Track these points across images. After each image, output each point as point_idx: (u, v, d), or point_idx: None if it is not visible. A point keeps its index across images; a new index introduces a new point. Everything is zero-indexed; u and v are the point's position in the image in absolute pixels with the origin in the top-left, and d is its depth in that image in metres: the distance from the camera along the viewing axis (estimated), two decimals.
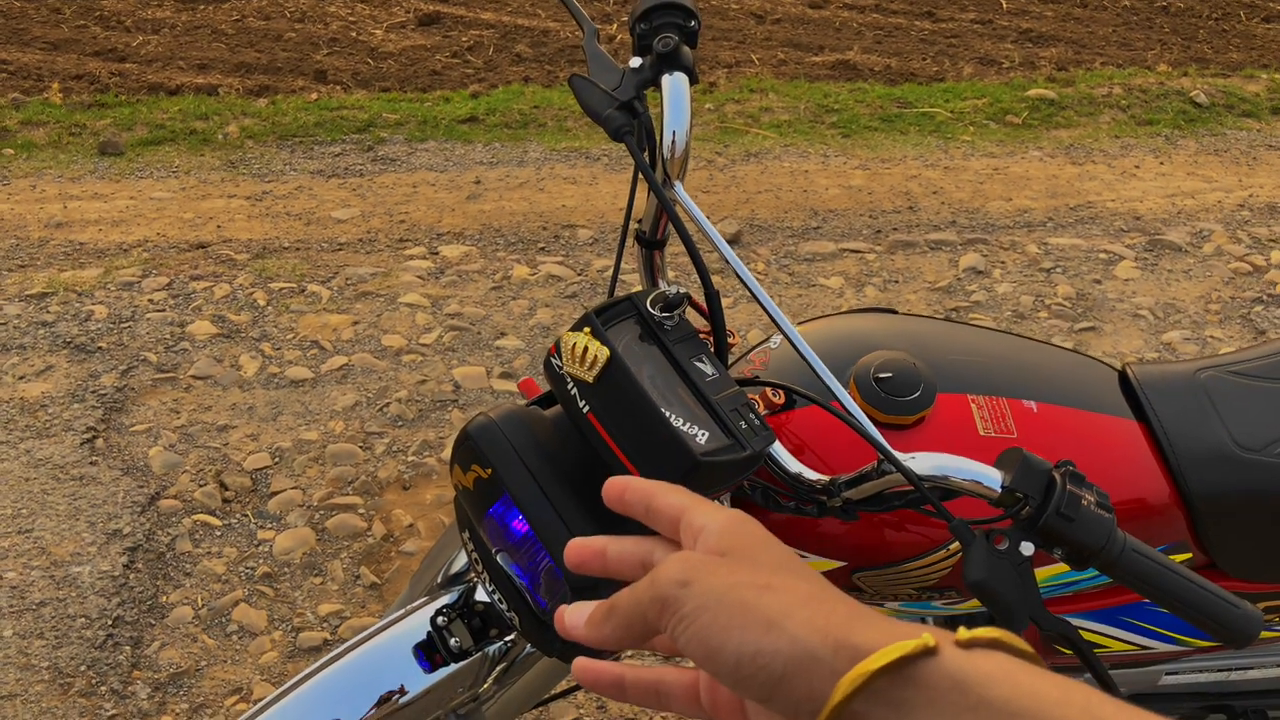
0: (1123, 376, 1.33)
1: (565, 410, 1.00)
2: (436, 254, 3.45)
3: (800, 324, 1.32)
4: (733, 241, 3.52)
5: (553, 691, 1.54)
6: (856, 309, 1.34)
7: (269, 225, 3.63)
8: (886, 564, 1.15)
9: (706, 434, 0.96)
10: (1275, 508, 1.23)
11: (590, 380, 0.96)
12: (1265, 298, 3.20)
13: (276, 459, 2.59)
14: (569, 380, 0.98)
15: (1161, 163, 4.07)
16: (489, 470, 1.02)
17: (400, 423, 2.70)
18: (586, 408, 0.97)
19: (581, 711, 2.03)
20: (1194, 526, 1.25)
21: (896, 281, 3.30)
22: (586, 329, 0.97)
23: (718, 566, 0.52)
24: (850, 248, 3.49)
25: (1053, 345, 1.35)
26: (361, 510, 2.44)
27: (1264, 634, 1.38)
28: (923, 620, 1.46)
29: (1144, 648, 1.35)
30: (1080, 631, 1.33)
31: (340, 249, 3.50)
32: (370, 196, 3.81)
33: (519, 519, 1.02)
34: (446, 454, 2.61)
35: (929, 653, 0.45)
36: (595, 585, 1.01)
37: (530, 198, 3.80)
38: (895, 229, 3.60)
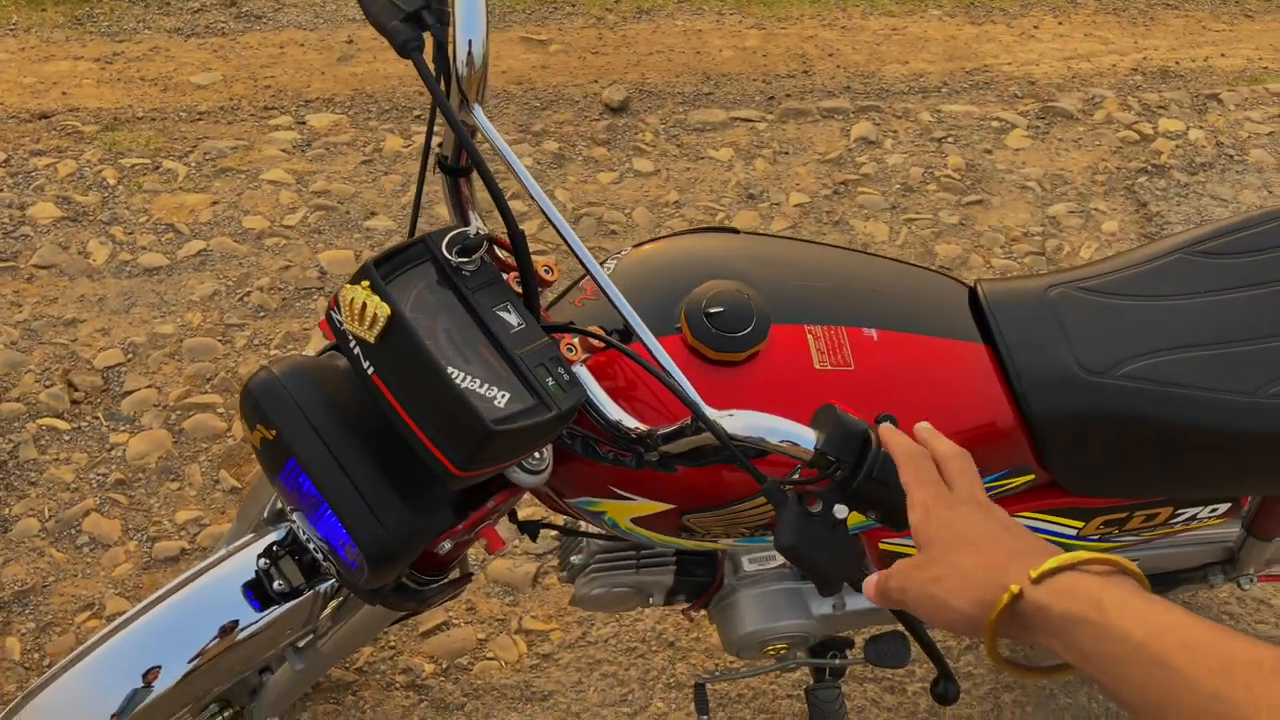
0: (973, 293, 1.28)
1: (351, 368, 0.91)
2: (304, 124, 3.24)
3: (639, 246, 1.24)
4: (621, 109, 3.37)
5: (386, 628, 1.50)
6: (697, 229, 1.25)
7: (120, 92, 3.36)
8: (715, 506, 1.11)
9: (507, 395, 0.88)
10: (1115, 429, 1.21)
11: (371, 340, 0.87)
12: (1150, 168, 3.19)
13: (129, 355, 2.45)
14: (350, 338, 0.89)
15: (1060, 23, 3.97)
16: (274, 431, 0.93)
17: (262, 313, 2.57)
18: (371, 369, 0.88)
19: (450, 614, 2.01)
20: (1036, 448, 1.23)
21: (787, 153, 3.21)
22: (365, 282, 0.88)
23: (915, 572, 0.75)
24: (741, 116, 3.37)
25: (903, 263, 1.29)
26: (221, 410, 2.34)
27: (1100, 545, 1.39)
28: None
29: None
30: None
31: (199, 119, 3.26)
32: (233, 59, 3.54)
33: (310, 482, 0.94)
34: (311, 346, 2.50)
35: (1017, 597, 0.67)
36: (393, 556, 0.95)
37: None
38: (789, 95, 3.48)
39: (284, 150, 3.10)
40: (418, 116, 3.31)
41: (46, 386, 2.35)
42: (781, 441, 0.89)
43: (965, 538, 0.74)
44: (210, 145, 3.10)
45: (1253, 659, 0.58)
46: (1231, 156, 3.27)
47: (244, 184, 2.96)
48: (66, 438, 2.26)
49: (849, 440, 0.86)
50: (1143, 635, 0.61)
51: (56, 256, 2.68)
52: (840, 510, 0.87)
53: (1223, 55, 3.82)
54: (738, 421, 0.90)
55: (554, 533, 1.47)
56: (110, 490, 2.16)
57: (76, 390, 2.36)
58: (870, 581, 0.79)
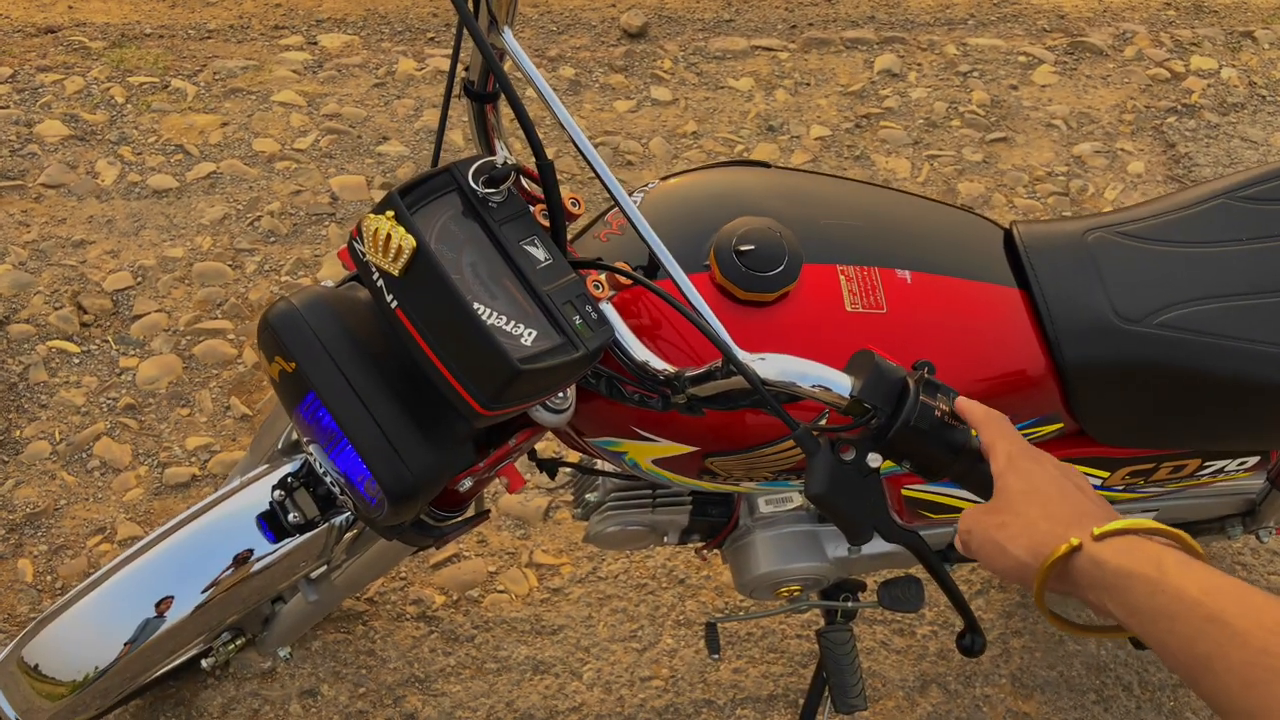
0: (1009, 236, 1.24)
1: (374, 301, 0.88)
2: (315, 44, 3.16)
3: (666, 178, 1.20)
4: (639, 35, 3.29)
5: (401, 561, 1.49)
6: (727, 162, 1.21)
7: (128, 7, 3.27)
8: (739, 450, 1.09)
9: (534, 332, 0.85)
10: (1148, 379, 1.18)
11: (396, 273, 0.84)
12: (1180, 108, 3.11)
13: (139, 279, 2.42)
14: (374, 270, 0.86)
15: None
16: (293, 365, 0.91)
17: (273, 238, 2.53)
18: (394, 303, 0.85)
19: (461, 546, 2.01)
20: (1066, 396, 1.20)
21: (808, 84, 3.13)
22: (390, 212, 0.85)
23: (982, 516, 0.78)
24: (763, 45, 3.28)
25: (938, 203, 1.25)
26: (231, 335, 2.31)
27: (1124, 495, 1.37)
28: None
29: None
30: (943, 498, 1.31)
31: (209, 37, 3.18)
32: None
33: (330, 416, 0.92)
34: (323, 273, 2.47)
35: (1075, 550, 0.69)
36: (414, 493, 0.93)
37: None
38: (811, 24, 3.39)
39: (295, 71, 3.03)
40: (431, 39, 3.24)
41: (56, 308, 2.33)
42: (815, 387, 0.86)
43: (1039, 490, 0.77)
44: (220, 65, 3.03)
45: None
46: (1264, 97, 3.19)
47: (254, 105, 2.90)
48: (76, 361, 2.24)
49: (888, 387, 0.83)
50: (1198, 593, 0.63)
51: (64, 176, 2.64)
52: (874, 459, 0.84)
53: None
54: (770, 365, 0.87)
55: (569, 469, 1.46)
56: (120, 415, 2.15)
57: (86, 313, 2.33)
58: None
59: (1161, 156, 2.97)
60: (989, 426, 0.83)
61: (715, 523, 1.48)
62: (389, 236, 0.83)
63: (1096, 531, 0.70)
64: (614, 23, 3.34)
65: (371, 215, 0.86)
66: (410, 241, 0.83)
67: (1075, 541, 0.69)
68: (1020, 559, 0.73)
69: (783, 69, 3.19)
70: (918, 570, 1.57)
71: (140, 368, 2.23)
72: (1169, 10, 3.56)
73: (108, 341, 2.29)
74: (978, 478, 0.84)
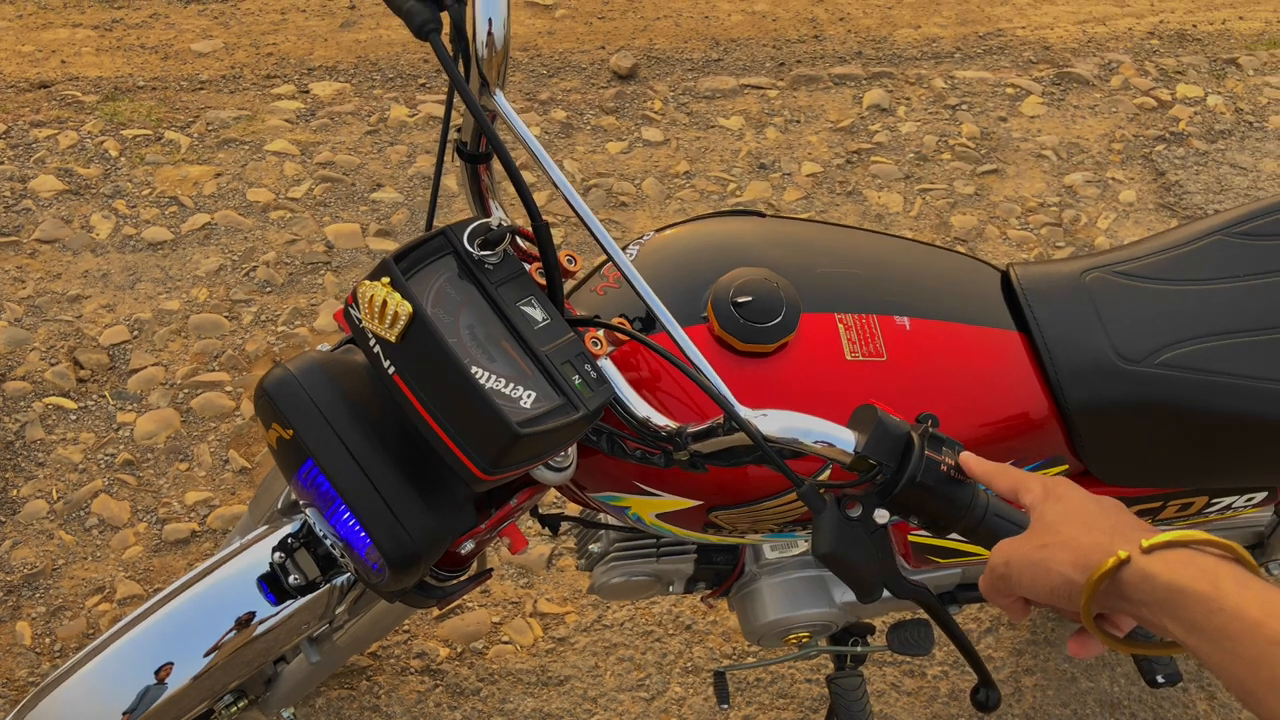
0: (1006, 278, 1.24)
1: (371, 367, 0.87)
2: (307, 92, 3.18)
3: (661, 231, 1.20)
4: (629, 76, 3.31)
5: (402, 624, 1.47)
6: (721, 212, 1.21)
7: (120, 60, 3.30)
8: (744, 503, 1.08)
9: (534, 394, 0.85)
10: (1152, 418, 1.17)
11: (393, 339, 0.83)
12: (1168, 136, 3.13)
13: (135, 332, 2.41)
14: (370, 337, 0.85)
15: None
16: (290, 431, 0.90)
17: (269, 288, 2.53)
18: (392, 369, 0.85)
19: (465, 598, 1.99)
20: (1070, 438, 1.20)
21: (798, 121, 3.15)
22: (385, 279, 0.84)
23: (1019, 544, 0.75)
24: (752, 83, 3.30)
25: (934, 247, 1.25)
26: (229, 387, 2.31)
27: None
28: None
29: None
30: (957, 544, 1.30)
31: (201, 88, 3.20)
32: (234, 25, 3.47)
33: (329, 483, 0.91)
34: (320, 323, 2.47)
35: (1124, 563, 0.67)
36: (416, 560, 0.92)
37: None
38: (799, 61, 3.42)
39: (287, 120, 3.05)
40: (422, 85, 3.26)
41: (52, 365, 2.32)
42: (818, 443, 0.85)
43: (1080, 510, 0.75)
44: (213, 115, 3.05)
45: None
46: (1251, 124, 3.21)
47: (247, 155, 2.91)
48: (73, 417, 2.23)
49: (892, 443, 0.82)
50: (1260, 614, 0.61)
51: (59, 231, 2.64)
52: (881, 515, 0.84)
53: (1240, 18, 3.75)
54: (772, 422, 0.86)
55: (572, 523, 1.44)
56: (119, 471, 2.14)
57: (82, 368, 2.33)
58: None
59: (1152, 185, 2.98)
60: (1004, 474, 0.82)
61: (721, 570, 1.47)
62: (385, 303, 0.83)
63: (1145, 544, 0.67)
64: (603, 65, 3.36)
65: (367, 282, 0.85)
66: (406, 308, 0.82)
67: (1124, 555, 0.67)
68: (1066, 575, 0.70)
69: (772, 107, 3.21)
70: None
71: (138, 423, 2.22)
72: (1153, 40, 3.59)
73: (105, 397, 2.28)
74: (986, 531, 0.83)
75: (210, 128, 3.01)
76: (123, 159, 2.88)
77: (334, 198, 2.79)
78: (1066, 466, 1.23)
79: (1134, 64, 3.43)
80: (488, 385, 0.82)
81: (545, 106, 3.16)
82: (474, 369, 0.82)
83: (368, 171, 2.89)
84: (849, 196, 2.90)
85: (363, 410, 0.92)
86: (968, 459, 0.83)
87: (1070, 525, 0.73)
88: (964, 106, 3.23)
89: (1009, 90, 3.30)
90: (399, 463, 0.91)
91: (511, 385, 0.84)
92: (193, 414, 2.25)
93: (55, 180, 2.79)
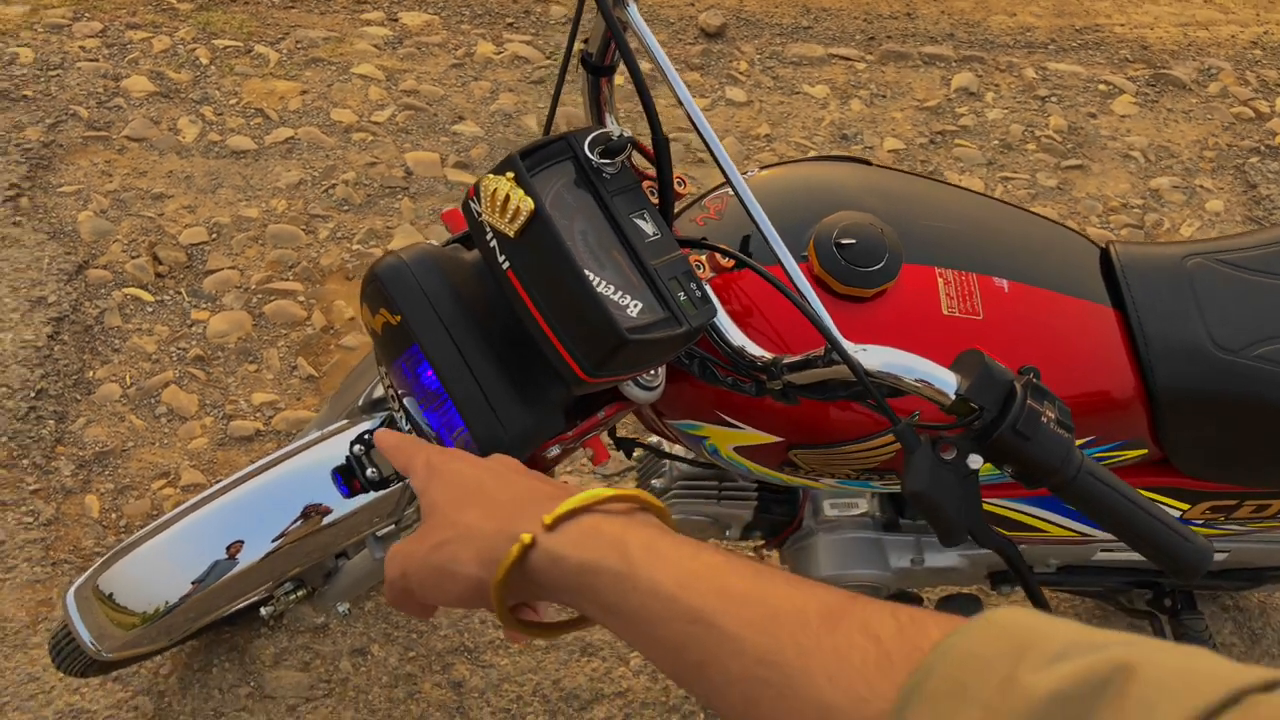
0: (1105, 255, 1.23)
1: (485, 261, 0.89)
2: (396, 20, 3.19)
3: (765, 169, 1.20)
4: (717, 35, 3.29)
5: None
6: (827, 155, 1.21)
7: None
8: (825, 444, 1.09)
9: (640, 305, 0.86)
10: (1241, 411, 1.16)
11: (511, 235, 0.85)
12: (1263, 148, 3.07)
13: (214, 235, 2.45)
14: (488, 230, 0.87)
15: None
16: (398, 317, 0.92)
17: (346, 206, 2.56)
18: (506, 264, 0.86)
19: None
20: (1154, 422, 1.19)
21: (884, 96, 3.12)
22: (510, 173, 0.85)
23: (413, 545, 0.64)
24: (840, 54, 3.27)
25: (1036, 215, 1.24)
26: (301, 297, 2.34)
27: (1202, 530, 1.35)
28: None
29: (1084, 535, 1.31)
30: (1022, 516, 1.30)
31: (292, 6, 3.22)
32: None
33: (430, 371, 0.92)
34: (394, 245, 2.49)
35: (529, 548, 0.58)
36: (509, 451, 0.93)
37: None
38: (890, 37, 3.38)
39: (375, 46, 3.06)
40: (510, 24, 3.26)
41: (133, 257, 2.37)
42: (918, 381, 0.86)
43: (474, 489, 0.65)
44: (302, 34, 3.07)
45: (795, 608, 0.50)
46: None
47: (334, 76, 2.94)
48: (149, 309, 2.28)
49: (995, 389, 0.82)
50: (674, 587, 0.53)
51: (147, 130, 2.68)
52: (974, 460, 0.84)
53: None
54: (874, 357, 0.87)
55: (644, 450, 1.46)
56: (189, 365, 2.18)
57: (161, 264, 2.37)
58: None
59: (1242, 196, 2.92)
60: (402, 449, 0.73)
61: (778, 521, 1.48)
62: (508, 197, 0.84)
63: (547, 520, 0.58)
64: (692, 21, 3.35)
65: (491, 175, 0.86)
66: (529, 203, 0.83)
67: (527, 539, 0.57)
68: (473, 576, 0.60)
69: (859, 79, 3.18)
70: (976, 589, 1.56)
71: (211, 321, 2.26)
72: (1255, 50, 3.51)
73: (180, 293, 2.32)
74: (1077, 490, 0.83)
75: (299, 45, 3.03)
76: (213, 67, 2.92)
77: (416, 125, 2.81)
78: (1146, 451, 1.23)
79: (1234, 72, 3.35)
80: (599, 289, 0.83)
81: None
82: (586, 272, 0.84)
83: (450, 103, 2.90)
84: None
85: (468, 304, 0.93)
86: (384, 434, 0.78)
87: (469, 510, 0.63)
88: (1053, 99, 3.18)
89: (1101, 87, 3.24)
90: (499, 359, 0.93)
91: (620, 293, 0.85)
92: (264, 319, 2.29)
93: (147, 81, 2.83)
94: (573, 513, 0.58)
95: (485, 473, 0.66)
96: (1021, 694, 0.39)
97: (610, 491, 0.60)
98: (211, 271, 2.37)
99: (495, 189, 0.85)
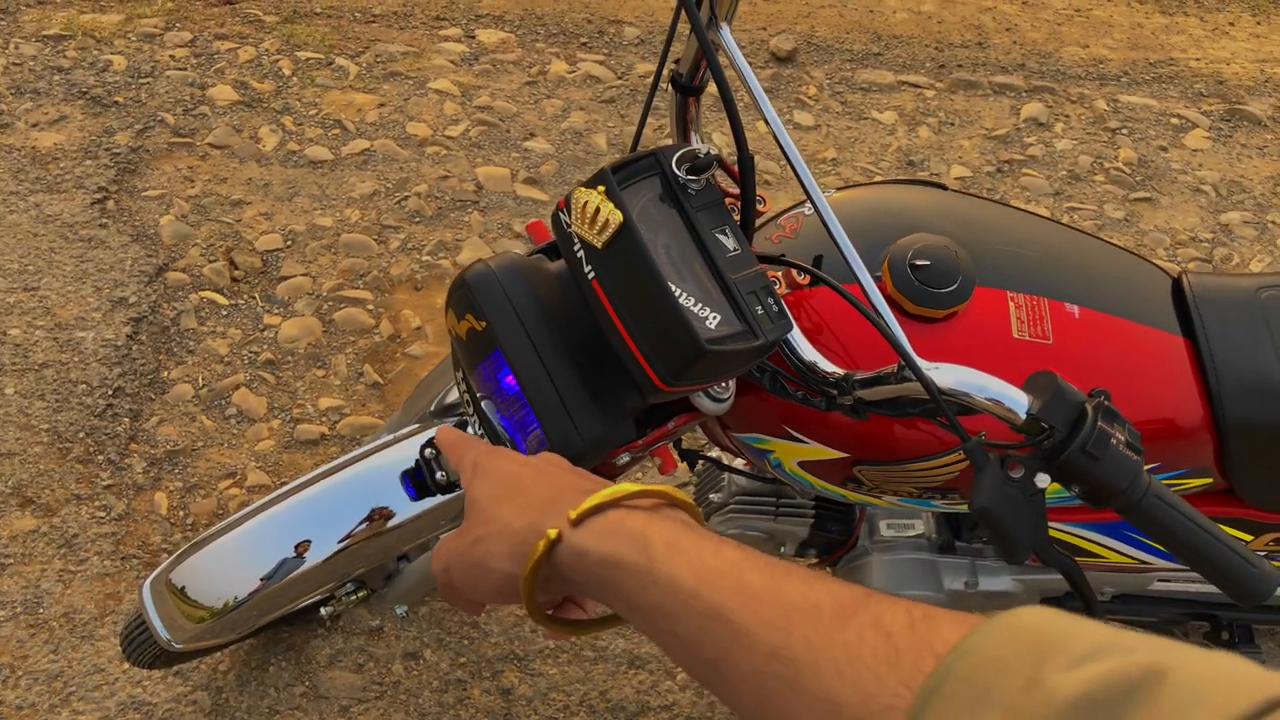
0: (1177, 285, 1.23)
1: (570, 272, 0.92)
2: (473, 38, 3.27)
3: (840, 190, 1.22)
4: (787, 59, 3.32)
5: None
6: (903, 179, 1.23)
7: None
8: (891, 461, 1.10)
9: (718, 317, 0.88)
10: None
11: (599, 246, 0.88)
12: None
13: (289, 242, 2.53)
14: (576, 241, 0.90)
15: (1259, 22, 3.76)
16: (483, 323, 0.95)
17: (418, 219, 2.62)
18: (592, 274, 0.89)
19: None
20: (1220, 452, 1.18)
21: (953, 124, 3.12)
22: (601, 187, 0.88)
23: (455, 541, 0.66)
24: (910, 81, 3.28)
25: (1109, 243, 1.24)
26: (371, 306, 2.40)
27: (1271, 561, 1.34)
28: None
29: (1143, 562, 1.31)
30: (1081, 541, 1.30)
31: (373, 21, 3.31)
32: None
33: (510, 376, 0.96)
34: (463, 257, 2.54)
35: (555, 543, 0.59)
36: (580, 458, 0.96)
37: None
38: (960, 66, 3.38)
39: (452, 61, 3.14)
40: (583, 44, 3.31)
41: (210, 261, 2.45)
42: (990, 400, 0.87)
43: (512, 484, 0.66)
44: (381, 48, 3.15)
45: (809, 604, 0.50)
46: None
47: (411, 90, 3.01)
48: (224, 312, 2.35)
49: (1067, 409, 0.83)
50: (694, 582, 0.53)
51: (230, 138, 2.77)
52: (1042, 479, 0.85)
53: None
54: (946, 375, 0.88)
55: (707, 463, 1.48)
56: (260, 368, 2.25)
57: (237, 269, 2.45)
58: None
59: None
60: (457, 446, 0.75)
61: (834, 540, 1.49)
62: (598, 210, 0.87)
63: (573, 515, 0.58)
64: (763, 45, 3.38)
65: (582, 188, 0.89)
66: (618, 216, 0.86)
67: (553, 533, 0.58)
68: (505, 571, 0.61)
69: (928, 106, 3.19)
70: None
71: (282, 326, 2.33)
72: None
73: (255, 298, 2.39)
74: (1144, 513, 0.84)
75: (378, 59, 3.12)
76: (294, 78, 3.01)
77: (488, 141, 2.87)
78: (1211, 480, 1.22)
79: None
80: (680, 300, 0.86)
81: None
82: (669, 283, 0.86)
83: (523, 120, 2.96)
84: None
85: (550, 313, 0.96)
86: (444, 429, 0.81)
87: (505, 506, 0.64)
88: (1124, 131, 3.16)
89: (1174, 120, 3.22)
90: (578, 367, 0.96)
91: (700, 305, 0.87)
92: (334, 326, 2.35)
93: (231, 91, 2.92)
94: (598, 508, 0.59)
95: (526, 469, 0.67)
96: (1046, 696, 0.38)
97: (636, 487, 0.60)
98: (285, 278, 2.44)
99: (585, 201, 0.88)
